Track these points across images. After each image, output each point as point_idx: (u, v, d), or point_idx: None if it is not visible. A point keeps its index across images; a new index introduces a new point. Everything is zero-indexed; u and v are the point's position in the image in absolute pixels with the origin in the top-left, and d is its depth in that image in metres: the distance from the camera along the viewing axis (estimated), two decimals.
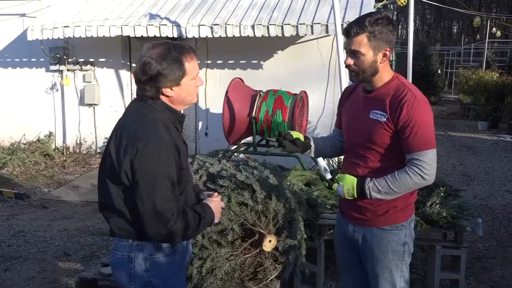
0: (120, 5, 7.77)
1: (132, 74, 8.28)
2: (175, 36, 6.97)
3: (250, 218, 2.65)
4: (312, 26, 6.46)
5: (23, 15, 8.42)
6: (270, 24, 6.62)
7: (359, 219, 2.21)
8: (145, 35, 7.07)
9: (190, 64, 1.88)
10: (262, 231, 2.65)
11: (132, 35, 7.22)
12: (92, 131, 8.50)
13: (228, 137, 5.61)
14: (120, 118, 1.97)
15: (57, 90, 8.54)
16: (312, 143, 2.33)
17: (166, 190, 1.79)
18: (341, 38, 4.93)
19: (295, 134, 2.27)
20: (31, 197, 6.45)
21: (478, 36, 26.07)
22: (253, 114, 5.40)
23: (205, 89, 7.59)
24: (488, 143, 10.44)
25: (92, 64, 8.32)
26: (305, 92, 5.84)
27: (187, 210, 1.87)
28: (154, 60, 1.82)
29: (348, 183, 2.09)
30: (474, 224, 3.58)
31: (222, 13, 7.04)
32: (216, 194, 2.11)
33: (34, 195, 6.57)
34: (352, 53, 2.05)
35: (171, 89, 1.88)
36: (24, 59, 8.60)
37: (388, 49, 2.05)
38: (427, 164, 2.01)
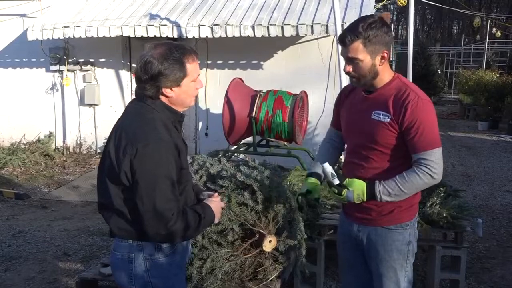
0: (120, 5, 7.78)
1: (132, 74, 8.28)
2: (175, 36, 6.97)
3: (250, 218, 2.65)
4: (312, 26, 6.46)
5: (23, 15, 8.43)
6: (270, 25, 6.62)
7: (363, 219, 2.21)
8: (145, 35, 7.07)
9: (192, 66, 1.88)
10: (262, 231, 2.65)
11: (132, 35, 7.23)
12: (92, 131, 8.50)
13: (228, 137, 5.61)
14: (119, 118, 1.97)
15: (57, 90, 8.54)
16: (322, 172, 2.30)
17: (166, 190, 1.79)
18: None
19: (309, 186, 2.29)
20: (31, 197, 6.45)
21: (478, 36, 26.09)
22: (253, 114, 5.40)
23: (205, 89, 7.59)
24: (488, 143, 10.44)
25: (92, 64, 8.32)
26: (305, 92, 5.84)
27: (187, 210, 1.87)
28: (156, 59, 1.82)
29: (358, 188, 2.07)
30: (474, 224, 3.58)
31: (222, 13, 7.05)
32: (216, 194, 2.11)
33: (34, 195, 6.57)
34: (350, 60, 2.05)
35: (171, 90, 1.88)
36: (24, 59, 8.60)
37: (386, 51, 2.04)
38: (435, 163, 2.02)
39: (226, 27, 6.75)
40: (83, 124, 8.52)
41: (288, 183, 3.60)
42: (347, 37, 2.01)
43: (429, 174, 2.02)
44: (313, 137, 7.04)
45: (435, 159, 2.02)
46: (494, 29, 19.54)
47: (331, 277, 3.79)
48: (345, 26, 2.23)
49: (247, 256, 2.65)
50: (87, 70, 8.30)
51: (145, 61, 1.83)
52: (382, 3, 12.09)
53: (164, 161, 1.79)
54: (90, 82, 8.32)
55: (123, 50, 8.19)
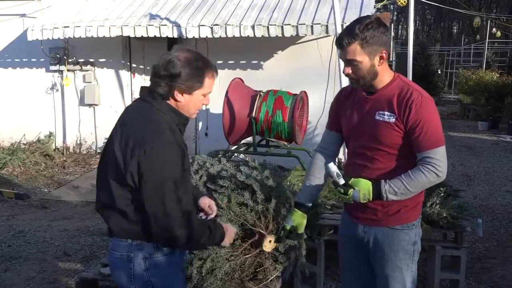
0: (120, 5, 7.77)
1: (132, 74, 8.29)
2: (175, 36, 6.97)
3: (250, 219, 2.65)
4: (312, 26, 6.46)
5: (23, 15, 8.43)
6: (270, 25, 6.62)
7: (369, 220, 2.20)
8: (145, 35, 7.07)
9: (209, 81, 1.93)
10: (262, 231, 2.65)
11: (132, 35, 7.22)
12: (92, 131, 8.50)
13: (228, 138, 5.61)
14: (122, 117, 1.97)
15: (57, 90, 8.54)
16: (310, 201, 2.34)
17: (174, 192, 1.81)
18: None
19: (296, 221, 2.30)
20: (31, 197, 6.45)
21: (478, 36, 26.10)
22: (253, 115, 5.40)
23: None
24: (488, 143, 10.44)
25: (92, 64, 8.32)
26: (305, 92, 5.84)
27: (195, 219, 1.91)
28: (180, 61, 1.85)
29: (364, 188, 2.06)
30: (474, 225, 3.58)
31: (222, 13, 7.05)
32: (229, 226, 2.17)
33: (34, 195, 6.57)
34: (348, 62, 2.05)
35: (182, 95, 1.90)
36: (24, 59, 8.60)
37: (384, 51, 2.04)
38: (440, 161, 2.02)
39: (226, 27, 6.75)
40: (83, 124, 8.52)
41: (288, 183, 3.60)
42: (344, 40, 2.01)
43: (435, 172, 2.02)
44: (313, 137, 7.04)
45: (439, 157, 2.02)
46: (494, 29, 19.54)
47: (331, 277, 3.79)
48: (345, 26, 2.23)
49: (247, 256, 2.65)
50: (87, 70, 8.30)
51: (169, 59, 1.86)
52: (382, 3, 12.10)
53: (172, 163, 1.81)
54: (90, 82, 8.32)
55: (123, 50, 8.19)
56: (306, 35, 6.73)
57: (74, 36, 7.33)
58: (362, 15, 5.21)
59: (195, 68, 1.87)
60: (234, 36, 6.77)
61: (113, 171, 1.86)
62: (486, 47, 19.12)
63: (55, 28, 7.35)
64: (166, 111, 1.90)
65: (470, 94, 14.71)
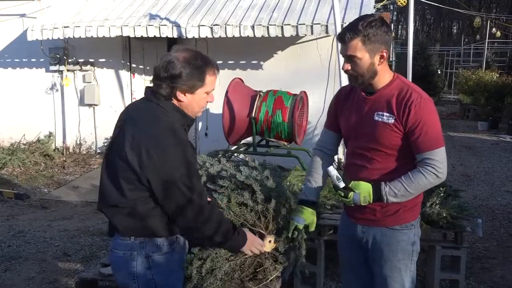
0: (120, 5, 7.77)
1: (132, 74, 8.28)
2: (175, 36, 6.97)
3: (250, 219, 2.65)
4: (312, 26, 6.46)
5: (23, 15, 8.43)
6: (270, 25, 6.62)
7: (368, 220, 2.20)
8: (145, 35, 7.07)
9: (210, 78, 1.94)
10: (262, 231, 2.65)
11: (132, 35, 7.22)
12: (92, 132, 8.50)
13: (228, 138, 5.60)
14: (128, 117, 1.96)
15: (57, 90, 8.54)
16: (317, 199, 2.36)
17: (196, 186, 1.87)
18: None
19: (307, 219, 2.31)
20: (31, 197, 6.45)
21: (478, 36, 26.09)
22: (253, 115, 5.40)
23: None
24: (488, 144, 10.44)
25: (92, 64, 8.32)
26: (305, 92, 5.84)
27: (223, 217, 2.03)
28: (180, 62, 1.86)
29: (365, 191, 2.06)
30: (474, 225, 3.58)
31: (222, 13, 7.04)
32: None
33: (34, 195, 6.57)
34: (348, 58, 2.05)
35: (185, 95, 1.91)
36: (24, 60, 8.60)
37: (385, 50, 2.04)
38: (440, 163, 2.02)
39: (226, 27, 6.75)
40: (83, 124, 8.52)
41: (288, 183, 3.60)
42: (346, 35, 2.01)
43: (435, 174, 2.02)
44: (313, 137, 7.04)
45: (439, 158, 2.02)
46: (494, 29, 19.54)
47: (331, 277, 3.79)
48: (345, 26, 2.23)
49: (247, 256, 2.64)
50: (87, 70, 8.30)
51: (168, 60, 1.87)
52: (382, 3, 12.11)
53: (189, 161, 1.86)
54: (90, 82, 8.32)
55: (123, 50, 8.19)
56: (306, 35, 6.73)
57: (74, 36, 7.33)
58: (362, 15, 5.22)
59: (195, 67, 1.87)
60: (234, 36, 6.77)
61: (124, 172, 1.87)
62: (486, 47, 19.13)
63: (55, 28, 7.35)
64: (172, 111, 1.92)
65: (470, 94, 14.72)
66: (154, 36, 7.03)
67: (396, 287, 2.19)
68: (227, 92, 5.51)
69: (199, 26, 6.87)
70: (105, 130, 8.10)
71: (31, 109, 8.61)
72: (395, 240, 2.16)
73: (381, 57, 2.04)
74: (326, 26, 6.40)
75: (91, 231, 5.04)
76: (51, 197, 6.53)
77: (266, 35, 6.67)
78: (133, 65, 8.26)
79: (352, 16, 6.32)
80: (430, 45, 22.99)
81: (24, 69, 8.65)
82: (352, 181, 2.09)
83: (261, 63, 7.64)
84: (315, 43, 7.26)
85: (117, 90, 8.33)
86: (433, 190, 3.57)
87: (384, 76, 2.09)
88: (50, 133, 8.61)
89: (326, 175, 2.28)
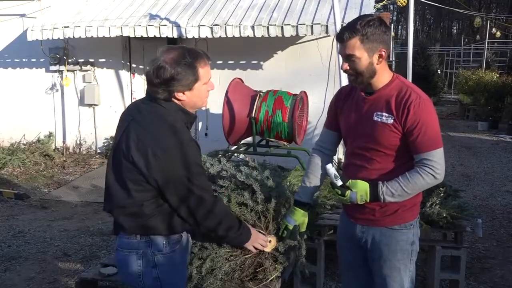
0: (120, 5, 7.77)
1: (132, 74, 8.29)
2: (175, 36, 6.97)
3: (250, 219, 2.65)
4: (312, 26, 6.46)
5: (23, 15, 8.43)
6: (270, 25, 6.62)
7: (367, 220, 2.20)
8: (145, 35, 7.07)
9: (204, 70, 1.93)
10: (262, 231, 2.65)
11: (132, 35, 7.23)
12: (92, 132, 8.50)
13: (228, 138, 5.60)
14: (131, 117, 1.96)
15: (57, 90, 8.55)
16: (310, 200, 2.39)
17: (204, 183, 1.93)
18: None
19: (298, 220, 2.37)
20: (31, 197, 6.45)
21: (478, 36, 26.08)
22: (253, 115, 5.40)
23: None
24: (488, 144, 10.44)
25: (92, 64, 8.32)
26: (305, 92, 5.83)
27: (230, 213, 2.10)
28: (169, 64, 1.85)
29: (362, 190, 2.07)
30: (474, 225, 3.58)
31: (222, 13, 7.05)
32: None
33: (34, 195, 6.57)
34: (347, 57, 2.05)
35: (183, 93, 1.92)
36: (24, 60, 8.60)
37: (383, 49, 2.04)
38: (437, 163, 2.02)
39: (226, 27, 6.75)
40: (83, 124, 8.52)
41: (288, 183, 3.60)
42: (344, 34, 2.02)
43: (432, 175, 2.02)
44: (313, 137, 7.03)
45: (437, 159, 2.02)
46: (493, 29, 19.54)
47: (331, 277, 3.80)
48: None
49: (247, 256, 2.64)
50: (87, 70, 8.30)
51: (158, 65, 1.86)
52: (382, 3, 12.11)
53: (194, 159, 1.89)
54: (90, 82, 8.32)
55: (123, 50, 8.19)
56: (306, 35, 6.73)
57: (74, 36, 7.33)
58: (360, 15, 5.21)
59: (186, 65, 1.87)
60: (234, 36, 6.77)
61: (130, 172, 1.88)
62: (486, 47, 19.12)
63: (55, 28, 7.35)
64: (175, 111, 1.92)
65: (470, 94, 14.72)
66: (154, 36, 7.03)
67: (395, 287, 2.19)
68: (227, 92, 5.51)
69: (199, 26, 6.87)
70: (105, 130, 8.10)
71: (31, 109, 8.61)
72: (394, 240, 2.16)
73: (380, 56, 2.04)
74: (326, 26, 6.40)
75: (91, 231, 5.04)
76: (51, 197, 6.53)
77: (266, 35, 6.67)
78: (133, 65, 8.26)
79: (352, 16, 6.32)
80: (430, 45, 22.99)
81: (24, 69, 8.65)
82: (350, 180, 2.10)
83: (261, 63, 7.64)
84: (315, 43, 7.26)
85: (117, 90, 8.33)
86: (433, 190, 3.57)
87: (384, 76, 2.09)
88: (50, 133, 8.61)
89: (324, 174, 2.29)
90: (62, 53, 8.15)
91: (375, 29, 2.00)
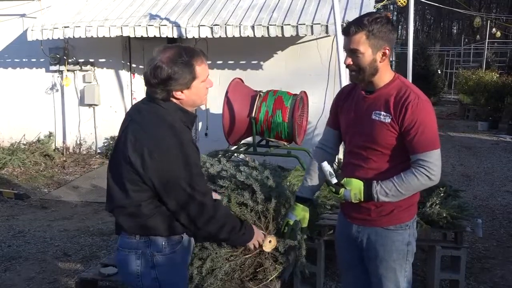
0: (120, 5, 7.78)
1: (132, 74, 8.29)
2: (175, 36, 6.97)
3: (250, 219, 2.65)
4: (312, 26, 6.46)
5: (23, 15, 8.43)
6: (270, 25, 6.62)
7: (363, 220, 2.20)
8: (145, 35, 7.07)
9: (201, 68, 1.92)
10: (262, 231, 2.65)
11: (132, 35, 7.23)
12: (92, 132, 8.50)
13: (228, 138, 5.60)
14: (131, 118, 1.97)
15: (57, 90, 8.55)
16: (311, 196, 2.38)
17: (200, 186, 1.89)
18: (341, 39, 4.93)
19: (299, 215, 2.35)
20: (31, 197, 6.45)
21: (478, 36, 26.08)
22: (253, 115, 5.40)
23: None
24: (488, 144, 10.44)
25: (92, 64, 8.32)
26: (305, 92, 5.83)
27: (231, 215, 2.08)
28: (165, 64, 1.85)
29: (356, 188, 2.08)
30: (474, 225, 3.58)
31: (222, 13, 7.05)
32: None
33: (34, 195, 6.57)
34: (351, 52, 2.05)
35: (182, 92, 1.91)
36: (24, 60, 8.61)
37: (388, 48, 2.04)
38: (433, 165, 2.01)
39: (226, 27, 6.75)
40: (83, 124, 8.52)
41: (288, 183, 3.60)
42: (351, 28, 2.02)
43: (427, 176, 2.02)
44: (313, 137, 7.04)
45: (433, 160, 2.01)
46: (494, 29, 19.53)
47: (331, 277, 3.80)
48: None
49: (247, 256, 2.65)
50: (87, 70, 8.30)
51: (154, 65, 1.86)
52: (382, 3, 12.10)
53: (191, 160, 1.87)
54: (90, 82, 8.32)
55: (123, 50, 8.19)
56: (306, 35, 6.73)
57: (74, 36, 7.34)
58: (369, 12, 5.22)
59: (182, 64, 1.86)
60: (234, 36, 6.77)
61: (128, 172, 1.88)
62: (486, 47, 19.12)
63: (55, 28, 7.35)
64: (174, 111, 1.92)
65: (470, 94, 14.72)
66: (154, 36, 7.03)
67: (390, 287, 2.19)
68: (227, 92, 5.51)
69: (199, 26, 6.87)
70: (105, 130, 8.11)
71: (31, 109, 8.61)
72: (390, 241, 2.16)
73: (384, 54, 2.04)
74: (326, 26, 6.40)
75: (91, 231, 5.04)
76: (51, 197, 6.53)
77: (266, 35, 6.67)
78: (133, 65, 8.27)
79: (352, 16, 6.32)
80: (430, 45, 22.98)
81: (24, 69, 8.65)
82: (345, 178, 2.11)
83: (261, 63, 7.64)
84: (315, 43, 7.26)
85: (117, 90, 8.33)
86: (433, 190, 3.57)
87: (385, 75, 2.10)
88: (50, 133, 8.61)
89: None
90: (62, 53, 8.15)
91: (381, 27, 2.00)
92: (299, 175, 4.05)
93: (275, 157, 5.40)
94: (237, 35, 6.75)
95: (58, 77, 8.45)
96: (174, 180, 1.84)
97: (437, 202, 3.54)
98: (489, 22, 19.51)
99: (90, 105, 8.38)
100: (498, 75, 15.08)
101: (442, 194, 3.61)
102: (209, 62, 7.66)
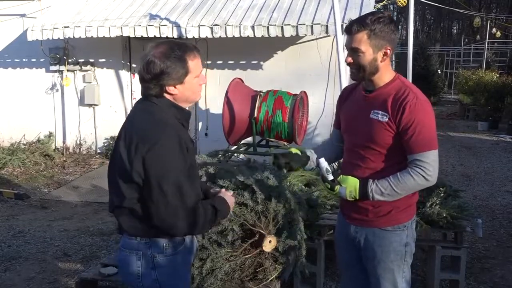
0: (120, 5, 7.78)
1: (132, 74, 8.29)
2: (175, 36, 6.97)
3: (250, 219, 2.65)
4: (312, 26, 6.46)
5: (23, 15, 8.43)
6: (270, 25, 6.62)
7: (361, 220, 2.20)
8: (145, 35, 7.07)
9: (194, 62, 1.91)
10: (262, 231, 2.65)
11: (132, 35, 7.23)
12: (92, 132, 8.50)
13: (228, 138, 5.61)
14: (128, 118, 1.99)
15: (57, 90, 8.54)
16: (310, 153, 2.32)
17: (177, 187, 1.82)
18: (341, 39, 4.93)
19: (294, 150, 2.30)
20: (31, 197, 6.45)
21: (478, 36, 26.08)
22: (253, 115, 5.40)
23: (205, 90, 7.57)
24: (488, 144, 10.44)
25: (92, 64, 8.32)
26: (305, 92, 5.84)
27: (199, 206, 1.89)
28: (158, 58, 1.84)
29: (351, 185, 2.08)
30: (474, 225, 3.58)
31: (222, 13, 7.05)
32: (223, 190, 2.14)
33: (34, 195, 6.57)
34: (352, 50, 2.06)
35: (175, 87, 1.90)
36: (24, 60, 8.60)
37: (389, 48, 2.04)
38: (430, 165, 2.01)
39: (226, 27, 6.75)
40: (83, 124, 8.52)
41: (288, 183, 3.60)
42: (353, 26, 2.03)
43: (423, 176, 2.01)
44: (313, 137, 7.04)
45: (430, 161, 2.01)
46: (494, 29, 19.53)
47: (331, 277, 3.79)
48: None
49: (247, 256, 2.65)
50: (87, 70, 8.30)
51: (147, 60, 1.85)
52: (382, 3, 12.08)
53: (175, 158, 1.82)
54: (90, 82, 8.32)
55: (123, 50, 8.19)
56: (306, 35, 6.73)
57: (74, 36, 7.34)
58: (372, 11, 5.24)
59: (174, 58, 1.86)
60: (234, 36, 6.78)
61: (120, 170, 1.88)
62: (486, 47, 19.12)
63: (55, 28, 7.35)
64: (167, 108, 1.91)
65: (470, 94, 14.72)
66: (154, 36, 7.03)
67: (388, 287, 2.19)
68: (227, 92, 5.52)
69: (199, 26, 6.87)
70: (105, 130, 8.10)
71: (31, 109, 8.61)
72: (387, 241, 2.16)
73: (385, 54, 2.05)
74: (326, 26, 6.40)
75: (91, 231, 5.04)
76: (51, 197, 6.53)
77: (266, 35, 6.67)
78: (133, 65, 8.26)
79: (352, 16, 6.23)
80: (430, 45, 22.99)
81: (24, 69, 8.65)
82: (341, 175, 2.12)
83: (261, 63, 7.64)
84: (315, 43, 7.26)
85: (117, 90, 8.33)
86: (433, 190, 3.57)
87: (386, 75, 2.10)
88: (50, 133, 8.61)
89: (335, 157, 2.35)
90: (62, 53, 8.15)
91: (384, 27, 2.01)
92: (299, 175, 4.05)
93: None
94: (237, 35, 6.75)
95: (58, 77, 8.45)
96: (158, 177, 1.80)
97: (437, 202, 3.54)
98: (489, 22, 19.51)
99: (90, 105, 8.38)
100: (498, 75, 15.08)
101: (442, 194, 3.61)
102: (209, 62, 7.68)
